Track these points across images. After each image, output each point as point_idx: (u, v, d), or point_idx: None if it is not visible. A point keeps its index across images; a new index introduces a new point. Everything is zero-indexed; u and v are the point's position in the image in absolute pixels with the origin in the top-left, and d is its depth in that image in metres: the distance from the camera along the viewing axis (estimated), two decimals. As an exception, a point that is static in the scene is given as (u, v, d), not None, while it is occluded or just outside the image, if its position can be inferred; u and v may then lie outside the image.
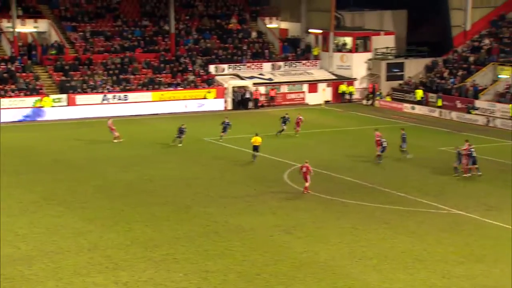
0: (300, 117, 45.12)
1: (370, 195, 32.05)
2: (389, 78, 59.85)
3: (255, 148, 37.73)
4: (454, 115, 52.39)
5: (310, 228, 27.46)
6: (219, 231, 27.00)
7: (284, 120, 44.91)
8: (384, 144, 37.46)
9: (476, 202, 30.76)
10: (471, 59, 57.62)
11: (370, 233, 26.86)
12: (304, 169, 31.83)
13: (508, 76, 53.77)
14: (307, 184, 31.79)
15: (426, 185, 33.63)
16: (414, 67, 60.04)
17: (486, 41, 58.38)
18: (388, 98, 58.26)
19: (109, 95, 53.75)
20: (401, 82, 59.69)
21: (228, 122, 43.23)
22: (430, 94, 55.89)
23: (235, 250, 24.95)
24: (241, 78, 58.62)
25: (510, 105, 49.47)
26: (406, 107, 55.69)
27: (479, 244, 25.37)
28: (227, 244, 25.50)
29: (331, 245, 25.53)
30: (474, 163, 34.69)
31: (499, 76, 54.95)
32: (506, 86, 52.63)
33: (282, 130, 44.63)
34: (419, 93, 55.82)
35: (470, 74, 56.13)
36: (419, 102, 55.60)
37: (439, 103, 54.25)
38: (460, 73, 56.70)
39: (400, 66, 60.16)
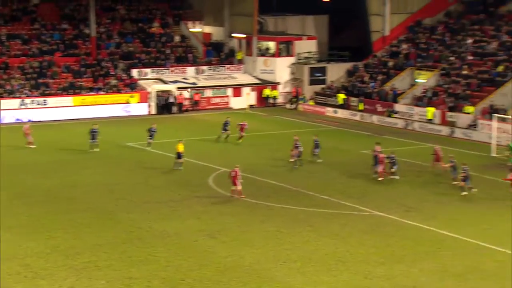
0: (245, 123, 44.18)
1: (294, 199, 32.29)
2: (312, 82, 60.59)
3: (179, 156, 37.27)
4: (375, 118, 53.50)
5: (235, 232, 27.42)
6: (143, 237, 26.61)
7: (225, 125, 44.29)
8: (300, 149, 37.82)
9: (396, 203, 31.46)
10: (390, 63, 59.03)
11: (294, 236, 27.05)
12: (233, 174, 31.80)
13: (425, 80, 55.36)
14: (234, 188, 31.72)
15: (348, 187, 34.16)
16: (336, 72, 61.01)
17: (404, 46, 59.97)
18: (311, 102, 58.99)
19: (27, 100, 52.25)
20: (323, 86, 60.53)
21: (154, 129, 42.54)
22: (352, 98, 56.88)
23: (159, 256, 24.64)
24: (165, 82, 58.13)
25: (427, 108, 50.93)
26: (329, 111, 56.49)
27: (399, 245, 25.94)
28: (151, 250, 25.15)
29: (256, 249, 25.56)
30: (392, 166, 35.18)
31: (417, 80, 56.50)
32: (423, 90, 54.17)
33: (227, 136, 43.90)
34: (341, 97, 56.75)
35: (390, 78, 57.49)
36: (341, 106, 56.48)
37: (361, 106, 55.29)
38: (380, 77, 57.99)
39: (323, 71, 61.02)
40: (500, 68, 51.65)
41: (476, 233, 27.10)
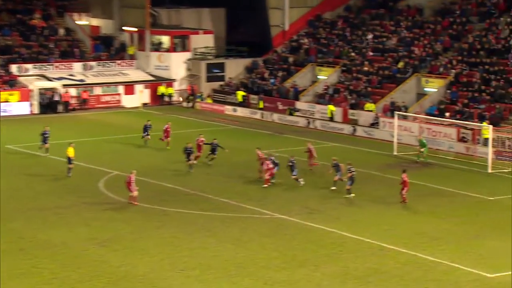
0: (169, 125, 42.71)
1: (192, 202, 32.32)
2: (210, 79, 60.70)
3: (69, 161, 36.06)
4: (275, 117, 54.24)
5: (128, 239, 27.17)
6: (26, 247, 25.90)
7: (146, 128, 43.03)
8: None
9: (298, 205, 32.06)
10: (291, 59, 60.02)
11: (192, 242, 27.08)
12: (128, 179, 31.34)
13: (326, 77, 56.68)
14: (131, 194, 31.33)
15: (248, 190, 34.50)
16: (235, 68, 61.40)
17: (305, 41, 61.12)
18: (209, 100, 59.11)
19: None
20: (222, 83, 60.78)
21: (47, 132, 40.87)
22: (252, 96, 57.42)
23: (43, 268, 24.06)
24: (49, 79, 56.64)
25: (329, 106, 52.16)
26: (228, 109, 56.77)
27: (301, 248, 26.47)
28: (34, 262, 24.52)
29: (150, 257, 25.42)
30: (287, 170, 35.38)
31: (318, 76, 57.75)
32: (325, 87, 55.42)
33: (146, 140, 42.67)
34: (240, 95, 57.18)
35: (290, 75, 58.43)
36: (240, 104, 56.91)
37: (261, 104, 55.91)
38: (280, 73, 58.84)
39: (221, 67, 61.28)
40: (400, 65, 53.65)
41: (378, 234, 28.04)
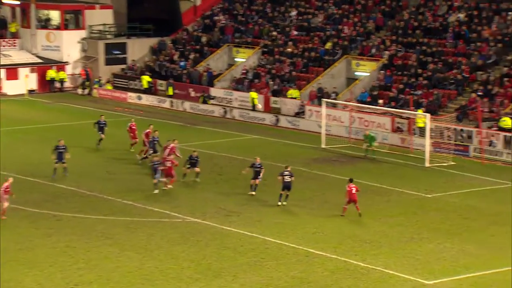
0: (133, 123, 40.86)
1: (89, 205, 31.99)
2: (109, 61, 60.09)
3: None
4: (187, 105, 54.17)
5: (12, 250, 26.71)
6: None
7: (100, 126, 41.23)
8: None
9: (214, 207, 32.15)
10: (204, 39, 60.00)
11: (89, 251, 26.82)
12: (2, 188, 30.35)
13: (245, 60, 56.89)
14: (5, 206, 30.54)
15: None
16: (139, 49, 60.97)
17: (219, 18, 61.16)
18: (109, 86, 58.51)
19: None
20: (123, 66, 60.26)
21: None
22: (159, 81, 57.13)
23: None
24: None
25: (251, 93, 52.35)
26: (131, 97, 56.34)
27: (217, 256, 26.59)
28: None
29: (40, 270, 25.06)
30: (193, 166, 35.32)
31: (235, 59, 57.92)
32: (243, 71, 55.65)
33: (101, 139, 41.19)
34: (146, 80, 56.80)
35: (204, 57, 58.41)
36: (146, 91, 56.53)
37: (170, 91, 55.70)
38: (192, 56, 58.75)
39: (122, 47, 60.71)
40: (328, 45, 54.41)
41: (305, 239, 28.42)
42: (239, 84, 54.80)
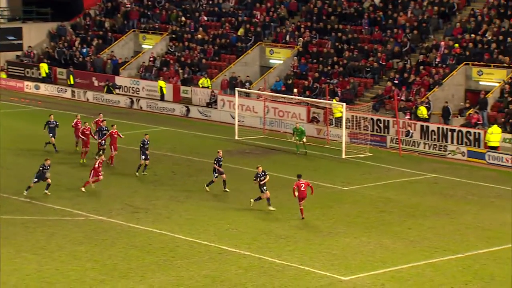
0: (99, 119, 39.24)
1: (-17, 204, 31.31)
2: (2, 48, 59.02)
3: None
4: (90, 95, 53.58)
5: None
6: None
7: (49, 127, 39.54)
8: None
9: (120, 203, 31.94)
10: (107, 24, 59.38)
11: (-16, 254, 26.23)
12: None
13: (152, 46, 56.59)
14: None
15: (58, 185, 33.88)
16: (36, 34, 60.04)
17: (124, 1, 60.60)
18: (3, 75, 57.57)
19: None
20: (19, 53, 59.29)
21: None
22: (59, 69, 56.39)
23: None
24: None
25: (159, 82, 52.09)
26: (28, 86, 55.54)
27: (124, 256, 26.36)
28: None
29: None
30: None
31: (142, 46, 57.56)
32: (151, 59, 55.33)
33: (49, 142, 39.44)
34: (44, 68, 56.01)
35: (107, 44, 57.87)
36: (44, 80, 55.78)
37: (71, 80, 55.01)
38: (94, 42, 58.09)
39: (17, 32, 59.66)
40: (240, 32, 54.57)
41: (217, 235, 28.45)
42: (146, 73, 54.45)
